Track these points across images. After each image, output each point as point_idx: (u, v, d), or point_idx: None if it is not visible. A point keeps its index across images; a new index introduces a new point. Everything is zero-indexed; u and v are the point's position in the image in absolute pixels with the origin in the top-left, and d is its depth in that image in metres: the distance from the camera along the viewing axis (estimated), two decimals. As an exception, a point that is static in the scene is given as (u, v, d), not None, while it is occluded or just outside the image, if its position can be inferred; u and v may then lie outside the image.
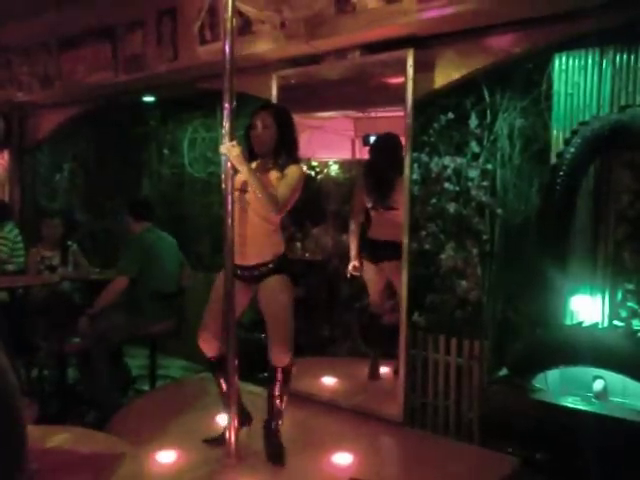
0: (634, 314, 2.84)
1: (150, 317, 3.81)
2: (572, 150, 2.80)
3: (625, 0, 2.58)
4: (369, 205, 3.73)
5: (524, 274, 3.09)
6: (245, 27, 3.50)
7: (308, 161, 4.72)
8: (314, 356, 4.23)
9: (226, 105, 2.61)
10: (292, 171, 2.68)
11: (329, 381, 3.85)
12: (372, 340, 3.98)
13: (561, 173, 2.80)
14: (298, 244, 4.75)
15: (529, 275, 3.04)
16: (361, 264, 3.81)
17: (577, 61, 2.94)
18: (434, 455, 2.98)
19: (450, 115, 3.27)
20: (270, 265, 2.74)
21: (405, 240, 3.24)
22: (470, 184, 3.24)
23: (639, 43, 2.76)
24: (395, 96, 3.32)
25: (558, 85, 2.99)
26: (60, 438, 2.21)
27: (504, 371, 2.96)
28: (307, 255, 4.74)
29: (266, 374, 2.85)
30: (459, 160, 3.27)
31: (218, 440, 2.84)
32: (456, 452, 3.02)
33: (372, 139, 4.39)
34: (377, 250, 3.70)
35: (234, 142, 2.58)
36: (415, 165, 3.32)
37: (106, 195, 5.85)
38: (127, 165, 5.71)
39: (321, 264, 4.68)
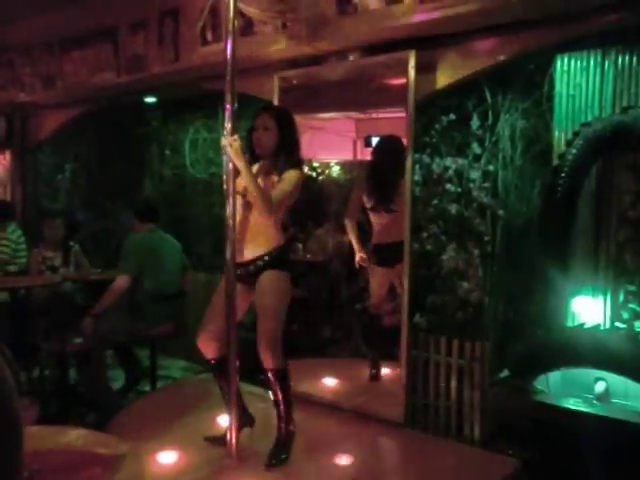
0: (636, 316, 2.83)
1: (150, 319, 3.81)
2: (574, 151, 2.80)
3: (627, 1, 2.58)
4: (368, 206, 3.74)
5: (526, 275, 3.09)
6: (247, 28, 3.51)
7: (309, 162, 4.73)
8: (315, 357, 4.23)
9: (227, 106, 2.61)
10: (290, 175, 2.68)
11: (330, 382, 3.85)
12: (372, 341, 3.98)
13: (563, 174, 2.80)
14: (299, 245, 4.75)
15: (531, 276, 3.04)
16: (368, 255, 3.82)
17: (579, 62, 2.94)
18: (435, 457, 2.98)
19: (452, 116, 3.27)
20: (265, 258, 2.70)
21: (407, 241, 3.24)
22: (472, 185, 3.24)
23: (641, 44, 2.77)
24: (397, 97, 3.32)
25: (560, 86, 2.99)
26: (61, 438, 2.21)
27: (505, 373, 2.96)
28: (308, 256, 4.75)
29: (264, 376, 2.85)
30: (461, 161, 3.26)
31: (219, 440, 2.84)
32: (457, 453, 3.02)
33: (374, 141, 4.40)
34: (386, 254, 3.71)
35: (235, 136, 2.58)
36: (417, 166, 3.32)
37: (108, 196, 5.85)
38: (129, 166, 5.71)
39: (322, 265, 4.68)
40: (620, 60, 2.83)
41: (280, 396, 2.75)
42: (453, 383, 3.27)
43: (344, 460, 2.79)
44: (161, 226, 4.16)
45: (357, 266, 3.90)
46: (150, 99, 5.19)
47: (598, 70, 2.89)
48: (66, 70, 5.03)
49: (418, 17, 2.91)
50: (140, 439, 2.84)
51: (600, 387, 2.79)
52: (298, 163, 2.76)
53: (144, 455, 2.71)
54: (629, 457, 2.46)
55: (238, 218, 2.73)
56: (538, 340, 2.91)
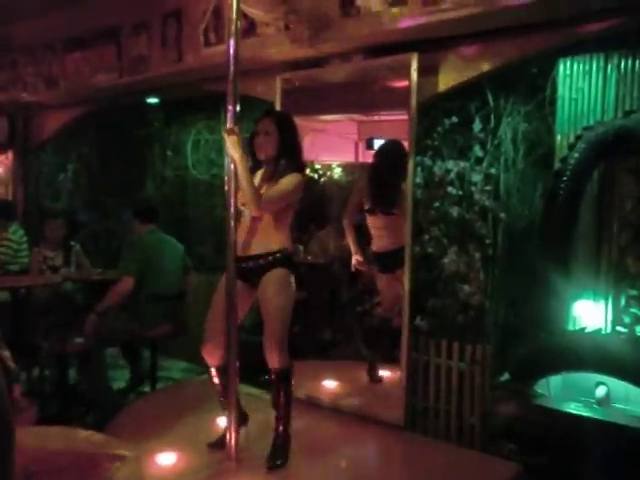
0: (637, 320, 2.82)
1: (149, 320, 3.80)
2: (576, 155, 2.80)
3: (630, 5, 2.58)
4: (366, 207, 3.75)
5: (527, 279, 3.08)
6: (249, 29, 3.51)
7: (311, 164, 4.73)
8: (315, 359, 4.22)
9: (230, 107, 2.62)
10: (288, 178, 2.68)
11: (330, 385, 3.84)
12: (373, 343, 3.98)
13: (565, 178, 2.80)
14: (301, 247, 4.75)
15: (532, 280, 3.04)
16: (364, 258, 3.83)
17: (581, 66, 2.94)
18: (435, 460, 2.97)
19: (454, 119, 3.27)
20: (277, 255, 2.70)
21: (408, 244, 3.24)
22: (473, 188, 3.24)
23: (644, 48, 2.76)
24: (399, 100, 3.32)
25: (562, 90, 2.98)
26: (60, 439, 2.21)
27: (506, 376, 2.95)
28: (309, 258, 4.74)
29: (267, 376, 2.85)
30: (462, 164, 3.26)
31: (219, 443, 2.83)
32: (457, 457, 3.01)
33: (376, 143, 4.41)
34: (385, 261, 3.73)
35: (236, 127, 2.58)
36: (418, 169, 3.31)
37: (109, 196, 5.86)
38: (130, 166, 5.72)
39: (323, 267, 4.68)
40: (623, 64, 2.82)
41: (282, 397, 2.74)
42: (453, 386, 3.26)
43: (344, 463, 2.78)
44: (162, 227, 4.16)
45: (353, 269, 3.91)
46: (152, 100, 5.20)
47: (601, 74, 2.88)
48: (69, 70, 5.04)
49: (421, 20, 2.91)
50: (140, 440, 2.84)
51: (601, 391, 2.78)
52: (299, 167, 2.76)
53: (143, 456, 2.70)
54: (629, 461, 2.45)
55: (246, 215, 2.74)
56: (539, 344, 2.91)
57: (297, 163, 2.75)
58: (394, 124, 4.21)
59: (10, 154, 6.36)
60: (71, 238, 4.63)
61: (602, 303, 2.91)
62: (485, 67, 3.07)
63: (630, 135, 2.73)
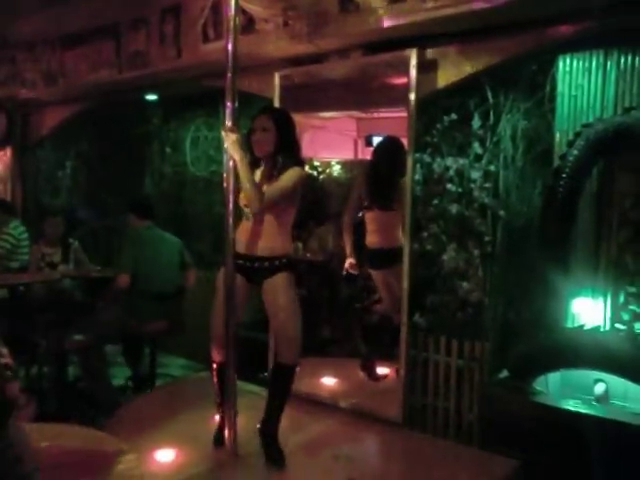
0: (636, 317, 2.82)
1: (145, 316, 3.80)
2: (575, 152, 2.79)
3: (630, 2, 2.57)
4: (365, 204, 3.75)
5: (526, 276, 3.08)
6: (248, 26, 3.50)
7: (310, 161, 4.72)
8: (314, 356, 4.22)
9: (228, 104, 2.61)
10: (288, 173, 2.68)
11: (329, 381, 3.85)
12: (376, 340, 3.98)
13: (564, 175, 2.79)
14: (300, 244, 4.75)
15: (531, 277, 3.04)
16: (358, 262, 3.84)
17: (581, 63, 2.93)
18: (433, 457, 2.98)
19: (453, 116, 3.26)
20: (284, 260, 2.74)
21: (407, 241, 3.24)
22: (472, 185, 3.23)
23: (644, 45, 2.76)
24: (398, 96, 3.32)
25: (562, 87, 2.98)
26: (59, 436, 2.21)
27: (505, 373, 2.95)
28: (309, 255, 4.74)
29: (266, 374, 2.85)
30: (462, 161, 3.26)
31: (217, 440, 2.84)
32: (455, 454, 3.02)
33: (375, 140, 4.40)
34: (375, 258, 3.75)
35: (234, 127, 2.59)
36: (417, 165, 3.31)
37: (108, 193, 5.84)
38: (129, 163, 5.71)
39: (323, 264, 4.68)
40: (622, 61, 2.82)
41: (279, 391, 2.76)
42: (452, 383, 3.27)
43: (342, 460, 2.78)
44: (160, 223, 4.15)
45: (344, 272, 3.92)
46: (151, 96, 5.19)
47: (600, 71, 2.88)
48: (67, 67, 5.02)
49: (420, 16, 2.90)
50: (139, 437, 2.84)
51: (599, 388, 2.78)
52: (298, 163, 2.76)
53: (143, 453, 2.70)
54: (628, 458, 2.45)
55: (244, 220, 2.74)
56: (538, 341, 2.91)
57: (295, 159, 2.75)
58: (393, 121, 4.21)
59: (8, 151, 6.35)
60: (70, 235, 4.62)
61: (601, 300, 2.91)
62: (484, 64, 3.06)
63: (629, 132, 2.72)
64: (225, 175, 2.67)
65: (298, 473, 2.71)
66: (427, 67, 3.15)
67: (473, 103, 3.21)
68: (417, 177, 3.33)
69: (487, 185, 3.20)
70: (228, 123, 2.61)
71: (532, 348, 2.90)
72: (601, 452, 2.42)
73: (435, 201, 3.34)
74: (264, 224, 2.72)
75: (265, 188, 2.68)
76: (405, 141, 3.33)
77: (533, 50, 2.95)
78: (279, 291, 2.73)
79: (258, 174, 2.77)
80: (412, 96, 3.12)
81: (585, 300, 2.93)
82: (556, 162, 2.92)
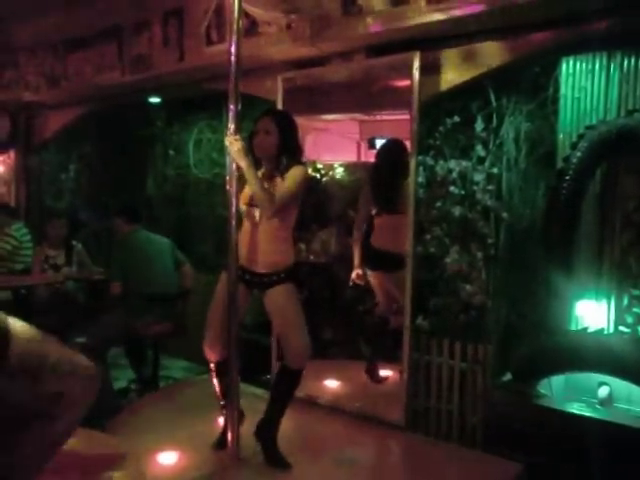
0: (640, 320, 2.81)
1: (145, 319, 3.80)
2: (578, 154, 2.78)
3: (633, 4, 2.57)
4: (374, 212, 3.74)
5: (529, 278, 3.07)
6: (251, 28, 3.51)
7: (313, 164, 4.72)
8: (316, 359, 4.20)
9: (231, 106, 2.61)
10: (293, 173, 2.67)
11: (331, 384, 3.84)
12: (377, 343, 3.97)
13: (567, 177, 2.79)
14: (302, 246, 4.75)
15: (534, 280, 3.03)
16: (364, 272, 3.83)
17: (584, 65, 2.93)
18: (436, 460, 2.97)
19: (456, 118, 3.26)
20: (282, 275, 2.73)
21: (410, 243, 3.23)
22: (475, 188, 3.23)
23: (647, 47, 2.75)
24: (401, 99, 3.32)
25: (565, 89, 2.97)
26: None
27: (508, 376, 2.94)
28: (311, 258, 4.74)
29: (268, 376, 2.85)
30: (465, 164, 3.25)
31: (219, 442, 2.83)
32: (458, 457, 3.01)
33: (378, 143, 4.39)
34: (376, 259, 3.74)
35: (237, 136, 2.59)
36: (420, 168, 3.31)
37: (111, 195, 5.85)
38: (132, 166, 5.72)
39: (325, 267, 4.67)
40: (626, 63, 2.81)
41: (282, 394, 2.76)
42: (455, 386, 3.26)
43: (344, 463, 2.78)
44: (162, 226, 4.17)
45: (351, 283, 3.90)
46: (154, 99, 5.20)
47: (603, 73, 2.87)
48: (71, 70, 5.04)
49: (423, 18, 2.90)
50: (141, 440, 2.84)
51: (603, 391, 2.77)
52: (300, 163, 2.76)
53: (144, 455, 2.70)
54: (632, 462, 2.44)
55: (245, 227, 2.74)
56: (541, 344, 2.90)
57: (297, 161, 2.75)
58: (396, 123, 4.20)
59: (12, 153, 6.37)
60: (73, 237, 4.63)
61: (604, 303, 2.90)
62: (487, 66, 3.06)
63: (633, 134, 2.72)
64: (228, 178, 2.67)
65: (300, 476, 2.70)
66: (430, 70, 3.14)
67: (476, 105, 3.21)
68: (420, 180, 3.32)
69: (490, 187, 3.20)
70: (231, 131, 2.61)
71: (535, 351, 2.89)
72: (604, 455, 2.40)
73: (438, 204, 3.34)
74: (265, 233, 2.71)
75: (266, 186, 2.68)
76: (408, 144, 3.33)
77: (536, 52, 2.95)
78: (282, 300, 2.73)
79: (259, 175, 2.78)
80: (415, 99, 3.12)
81: (589, 303, 2.92)
82: (559, 164, 2.91)
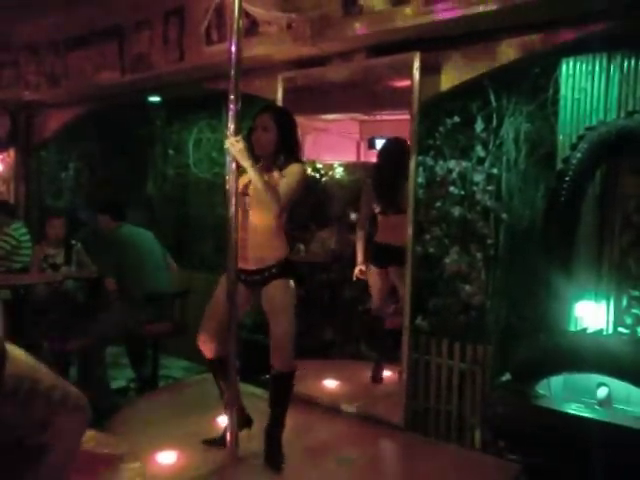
0: (639, 321, 2.82)
1: (140, 318, 3.80)
2: (578, 155, 2.78)
3: (633, 5, 2.57)
4: (377, 210, 3.74)
5: (528, 279, 3.07)
6: (252, 28, 3.51)
7: (313, 163, 4.73)
8: (316, 359, 4.22)
9: (231, 106, 2.61)
10: (292, 170, 2.67)
11: (331, 384, 3.84)
12: (375, 343, 3.98)
13: (567, 178, 2.79)
14: (302, 246, 4.75)
15: (533, 280, 3.03)
16: (367, 268, 3.82)
17: (584, 66, 2.93)
18: (435, 460, 2.97)
19: (456, 119, 3.26)
20: (273, 270, 2.72)
21: (409, 243, 3.24)
22: (475, 188, 3.23)
23: (647, 49, 2.75)
24: (401, 99, 3.32)
25: (565, 90, 2.97)
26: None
27: (507, 377, 2.94)
28: (311, 258, 4.74)
29: (268, 376, 2.85)
30: (464, 164, 3.26)
31: (218, 441, 2.83)
32: (457, 457, 3.01)
33: (378, 143, 4.40)
34: (383, 254, 3.71)
35: (238, 137, 2.58)
36: (420, 168, 3.31)
37: (111, 194, 5.85)
38: (132, 165, 5.72)
39: (325, 267, 4.67)
40: (626, 64, 2.81)
41: (279, 398, 2.75)
42: (454, 387, 3.26)
43: (343, 463, 2.78)
44: (162, 225, 4.16)
45: (355, 278, 3.90)
46: (154, 98, 5.20)
47: (603, 74, 2.87)
48: (71, 69, 5.04)
49: (423, 19, 2.90)
50: (140, 439, 2.84)
51: (602, 392, 2.77)
52: (297, 162, 2.76)
53: (144, 455, 2.70)
54: (630, 462, 2.44)
55: (240, 220, 2.73)
56: (540, 344, 2.90)
57: (295, 157, 2.75)
58: (396, 124, 4.21)
59: (12, 152, 6.36)
60: (72, 237, 4.63)
61: (604, 304, 2.90)
62: (487, 67, 3.06)
63: (632, 135, 2.72)
64: (228, 177, 2.67)
65: (300, 476, 2.70)
66: (430, 70, 3.15)
67: (476, 106, 3.21)
68: (420, 180, 3.32)
69: (490, 188, 3.20)
70: (231, 132, 2.60)
71: (535, 351, 2.89)
72: (603, 456, 2.40)
73: (438, 204, 3.34)
74: (255, 227, 2.70)
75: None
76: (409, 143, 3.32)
77: (536, 53, 2.95)
78: (274, 298, 2.72)
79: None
80: (415, 99, 3.12)
81: (588, 303, 2.92)
82: (559, 165, 2.91)
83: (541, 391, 2.81)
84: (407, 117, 3.23)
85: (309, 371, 3.79)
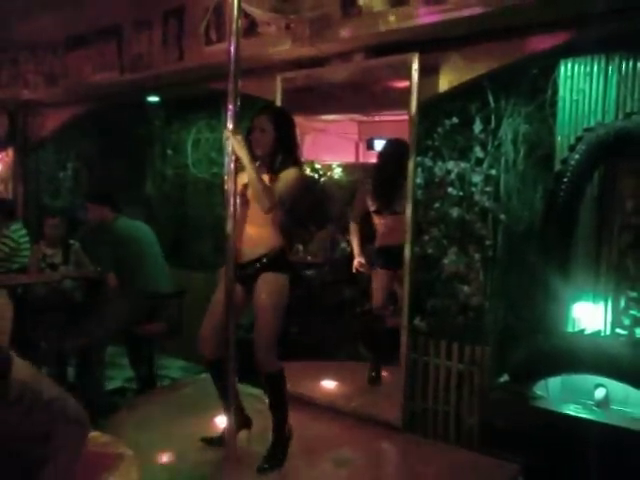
0: (637, 322, 2.82)
1: (139, 317, 3.80)
2: (576, 157, 2.79)
3: (631, 7, 2.58)
4: (372, 209, 3.74)
5: (526, 280, 3.08)
6: (251, 28, 3.51)
7: (312, 164, 4.73)
8: (314, 359, 4.22)
9: (230, 106, 2.61)
10: (288, 175, 2.68)
11: (329, 385, 3.84)
12: (372, 344, 3.97)
13: (565, 179, 2.79)
14: (301, 247, 4.75)
15: (531, 281, 3.03)
16: (367, 262, 3.83)
17: (583, 67, 2.93)
18: (433, 461, 2.97)
19: (454, 120, 3.26)
20: (264, 260, 2.69)
21: (408, 244, 3.24)
22: (473, 189, 3.24)
23: (645, 50, 2.76)
24: (400, 100, 3.32)
25: (563, 91, 2.98)
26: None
27: (505, 377, 2.94)
28: (309, 258, 4.74)
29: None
30: (463, 165, 3.26)
31: (216, 441, 2.83)
32: (455, 458, 3.01)
33: (377, 143, 4.40)
34: (389, 256, 3.71)
35: (237, 130, 2.59)
36: (419, 169, 3.31)
37: (110, 187, 5.83)
38: (131, 165, 5.71)
39: (323, 267, 4.68)
40: (624, 66, 2.82)
41: (275, 399, 2.75)
42: (452, 387, 3.26)
43: (341, 463, 2.78)
44: (161, 225, 4.15)
45: (355, 270, 3.91)
46: (153, 98, 5.19)
47: (602, 75, 2.88)
48: (69, 68, 5.03)
49: (422, 20, 2.90)
50: (138, 439, 2.83)
51: (600, 393, 2.78)
52: (296, 162, 2.76)
53: (142, 455, 2.70)
54: (628, 463, 2.45)
55: (238, 218, 2.73)
56: (538, 345, 2.90)
57: (293, 158, 2.75)
58: (395, 124, 4.21)
59: (10, 152, 6.36)
60: (70, 236, 4.62)
61: (602, 305, 2.90)
62: (486, 68, 3.06)
63: (631, 137, 2.72)
64: (226, 177, 2.67)
65: (298, 477, 2.70)
66: (429, 71, 3.15)
67: (474, 107, 3.22)
68: (418, 181, 3.33)
69: (488, 189, 3.21)
70: (230, 125, 2.61)
71: (533, 352, 2.90)
72: (601, 457, 2.41)
73: (436, 205, 3.34)
74: (250, 221, 2.72)
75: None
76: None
77: (534, 54, 2.95)
78: (262, 293, 2.68)
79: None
80: (414, 100, 3.12)
81: (586, 305, 2.93)
82: (557, 166, 2.92)
83: (539, 392, 2.82)
84: (406, 118, 3.24)
85: (307, 371, 3.79)
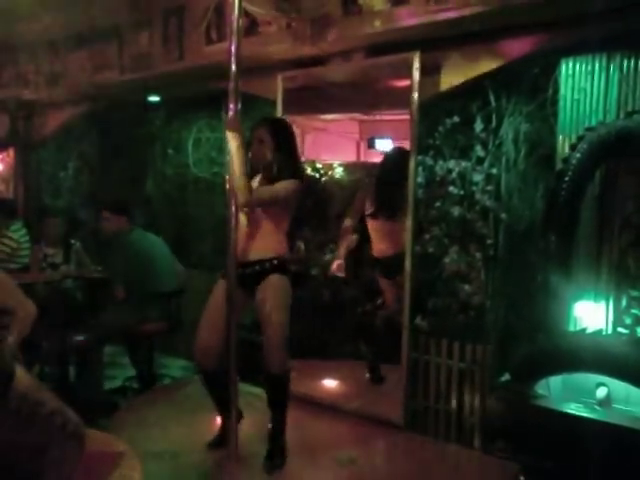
0: (638, 321, 2.82)
1: (140, 317, 3.80)
2: (578, 156, 2.78)
3: (633, 6, 2.57)
4: (368, 212, 3.76)
5: (528, 279, 3.07)
6: (251, 28, 3.51)
7: (313, 163, 4.72)
8: (315, 358, 4.22)
9: (231, 105, 2.61)
10: (283, 183, 2.69)
11: (330, 384, 3.84)
12: (373, 343, 3.97)
13: (566, 179, 2.79)
14: (302, 245, 4.74)
15: (532, 280, 3.03)
16: (346, 265, 3.84)
17: (584, 66, 2.93)
18: (435, 460, 2.97)
19: (455, 119, 3.26)
20: (274, 261, 2.72)
21: (409, 243, 3.24)
22: (474, 188, 3.23)
23: (647, 49, 2.75)
24: (401, 99, 3.32)
25: (564, 90, 2.97)
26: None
27: (506, 376, 2.94)
28: (309, 257, 4.73)
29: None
30: (464, 164, 3.26)
31: (216, 441, 2.83)
32: (456, 457, 3.01)
33: (378, 142, 4.40)
34: (387, 267, 3.73)
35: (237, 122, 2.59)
36: (420, 168, 3.31)
37: (125, 195, 5.83)
38: (131, 164, 5.71)
39: (324, 266, 4.67)
40: (625, 64, 2.81)
41: (278, 399, 2.75)
42: (454, 386, 3.26)
43: (343, 462, 2.78)
44: (162, 225, 4.15)
45: (330, 273, 3.91)
46: (154, 98, 5.19)
47: (603, 74, 2.87)
48: (70, 68, 5.03)
49: (423, 18, 2.90)
50: (139, 438, 2.84)
51: (601, 392, 2.77)
52: (296, 173, 2.76)
53: (143, 454, 2.70)
54: (630, 463, 2.45)
55: (244, 221, 2.74)
56: (539, 344, 2.90)
57: (293, 169, 2.75)
58: (396, 123, 4.21)
59: (11, 151, 6.36)
60: (71, 236, 4.62)
61: (603, 304, 2.90)
62: (487, 67, 3.06)
63: (632, 136, 2.72)
64: (227, 177, 2.67)
65: (300, 475, 2.71)
66: (430, 70, 3.15)
67: (475, 106, 3.21)
68: (419, 180, 3.32)
69: (489, 188, 3.20)
70: (231, 117, 2.60)
71: (534, 351, 2.89)
72: (603, 456, 2.41)
73: (437, 204, 3.34)
74: (256, 228, 2.74)
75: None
76: (407, 144, 3.32)
77: (536, 53, 2.95)
78: (268, 295, 2.70)
79: (256, 182, 2.79)
80: (415, 99, 3.12)
81: (587, 304, 2.93)
82: (558, 165, 2.91)
83: (540, 391, 2.81)
84: (407, 117, 3.24)
85: (309, 371, 3.79)
